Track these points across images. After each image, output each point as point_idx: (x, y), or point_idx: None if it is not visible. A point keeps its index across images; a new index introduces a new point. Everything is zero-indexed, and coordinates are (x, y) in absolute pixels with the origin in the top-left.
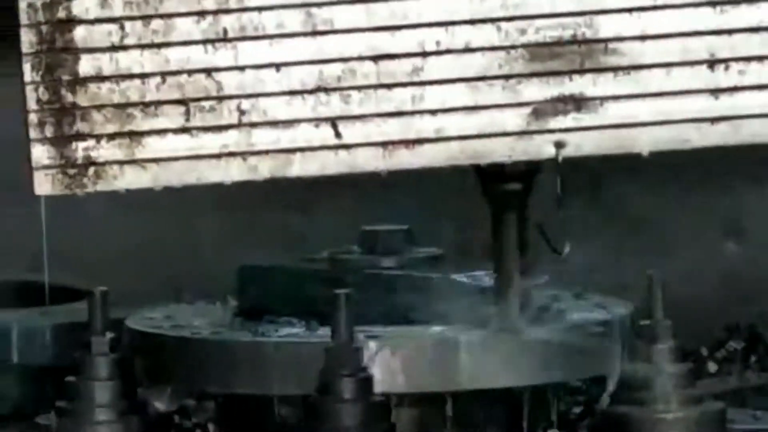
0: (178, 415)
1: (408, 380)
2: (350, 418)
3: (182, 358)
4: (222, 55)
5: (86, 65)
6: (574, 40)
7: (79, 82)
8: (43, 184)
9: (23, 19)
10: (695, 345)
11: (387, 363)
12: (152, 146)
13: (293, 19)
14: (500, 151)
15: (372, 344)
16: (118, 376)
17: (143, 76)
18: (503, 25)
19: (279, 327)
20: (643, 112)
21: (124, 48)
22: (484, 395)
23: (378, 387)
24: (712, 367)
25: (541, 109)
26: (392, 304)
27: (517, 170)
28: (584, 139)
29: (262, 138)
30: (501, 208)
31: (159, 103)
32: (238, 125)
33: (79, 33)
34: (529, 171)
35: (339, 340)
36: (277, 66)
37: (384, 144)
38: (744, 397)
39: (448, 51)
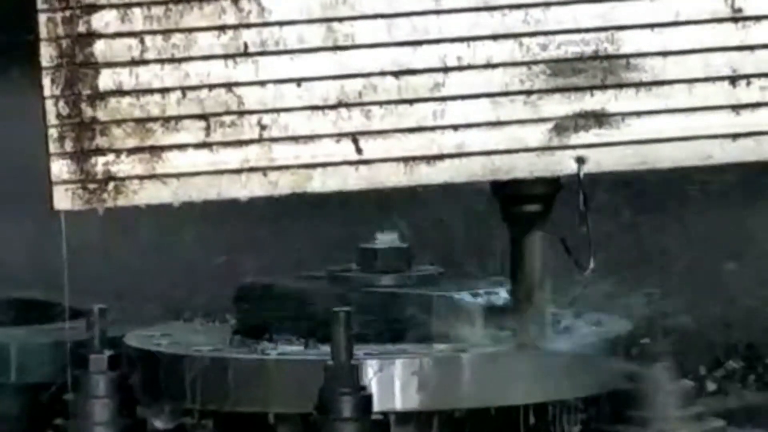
0: None
1: (407, 398)
2: None
3: (181, 375)
4: (243, 70)
5: (106, 79)
6: (596, 56)
7: (99, 96)
8: (63, 200)
9: (43, 33)
10: (694, 364)
11: (386, 381)
12: (172, 161)
13: (314, 34)
14: (521, 167)
15: (372, 363)
16: (116, 394)
17: (163, 91)
18: (525, 40)
19: (278, 345)
20: (664, 127)
21: (144, 62)
22: (483, 413)
23: (377, 405)
24: (711, 385)
25: (562, 125)
26: (391, 322)
27: (536, 192)
28: (606, 154)
29: (283, 153)
30: (521, 229)
31: (179, 118)
32: (259, 140)
33: (99, 47)
34: (548, 193)
35: (338, 359)
36: (298, 81)
37: (405, 159)
38: (743, 415)
39: (470, 66)
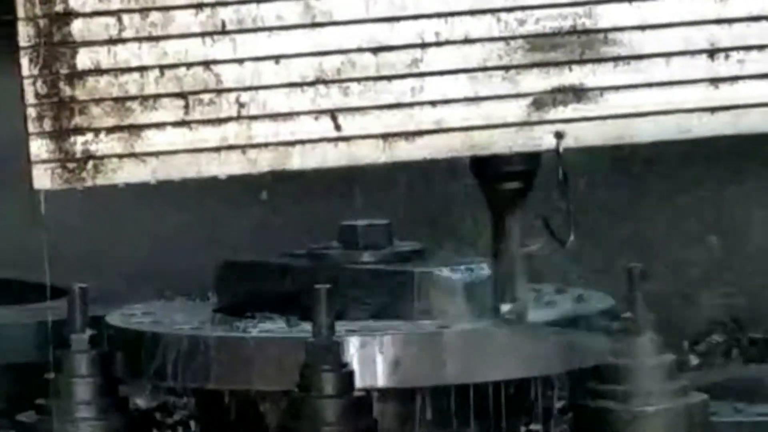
0: (158, 411)
1: (389, 375)
2: (332, 414)
3: (163, 354)
4: (221, 48)
5: (84, 58)
6: (573, 31)
7: (77, 75)
8: (42, 179)
9: (20, 12)
10: (677, 338)
11: (368, 358)
12: (151, 140)
13: (292, 11)
14: (500, 143)
15: (353, 340)
16: (98, 373)
17: (142, 69)
18: (503, 15)
19: (259, 323)
20: (643, 102)
21: (122, 41)
22: (465, 390)
23: (359, 382)
24: (694, 360)
25: (541, 100)
26: (373, 298)
27: (516, 169)
28: (584, 129)
29: (262, 131)
30: (501, 207)
31: (158, 97)
32: (238, 118)
33: (77, 26)
34: (528, 170)
35: (320, 336)
36: (276, 58)
37: (384, 136)
38: (726, 389)
39: (448, 42)
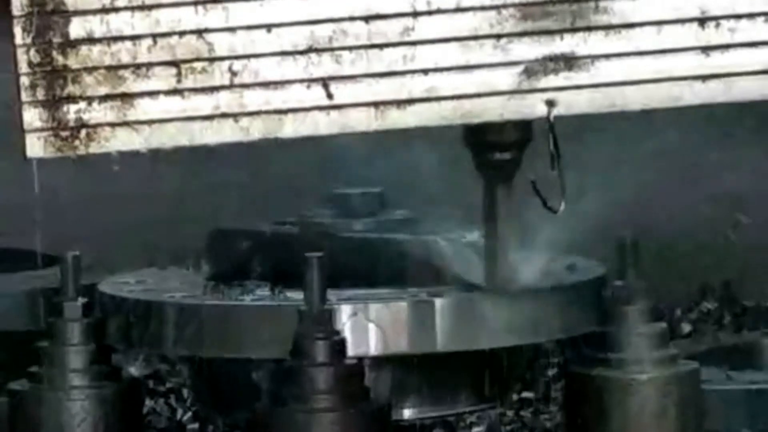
0: (151, 379)
1: (381, 343)
2: (324, 382)
3: (155, 322)
4: (213, 16)
5: (77, 27)
6: None
7: (70, 44)
8: (35, 147)
9: None
10: (669, 306)
11: (360, 326)
12: (144, 108)
13: None
14: (492, 111)
15: (345, 308)
16: (91, 341)
17: (134, 38)
18: None
19: (251, 291)
20: (634, 70)
21: (114, 10)
22: (457, 357)
23: (351, 350)
24: (685, 327)
25: (532, 69)
26: (365, 267)
27: (508, 140)
28: (576, 97)
29: (254, 99)
30: (493, 177)
31: (150, 65)
32: (230, 86)
33: None
34: (520, 140)
35: (312, 304)
36: (268, 27)
37: (376, 104)
38: (718, 357)
39: (439, 11)
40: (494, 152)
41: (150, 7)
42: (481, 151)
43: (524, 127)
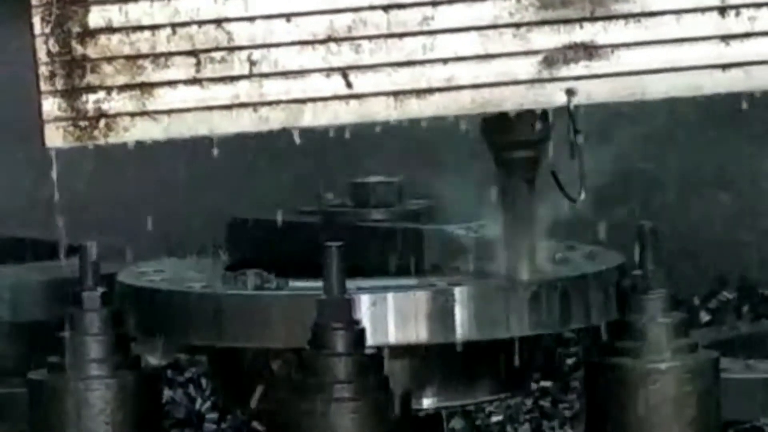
0: (170, 369)
1: (400, 332)
2: (343, 371)
3: (174, 312)
4: (232, 6)
5: (96, 17)
6: None
7: (89, 33)
8: (54, 137)
9: None
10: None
11: (380, 315)
12: (163, 98)
13: None
14: (511, 100)
15: (365, 297)
16: (109, 330)
17: (153, 28)
18: None
19: (269, 280)
20: (654, 59)
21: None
22: (476, 347)
23: (371, 339)
24: (704, 316)
25: (551, 57)
26: (384, 256)
27: (527, 138)
28: (595, 86)
29: (273, 89)
30: (512, 175)
31: (169, 55)
32: (249, 76)
33: None
34: (539, 139)
35: (331, 294)
36: (288, 16)
37: (395, 94)
38: (737, 346)
39: (459, 0)
40: (514, 150)
41: None
42: (500, 149)
43: (544, 126)
